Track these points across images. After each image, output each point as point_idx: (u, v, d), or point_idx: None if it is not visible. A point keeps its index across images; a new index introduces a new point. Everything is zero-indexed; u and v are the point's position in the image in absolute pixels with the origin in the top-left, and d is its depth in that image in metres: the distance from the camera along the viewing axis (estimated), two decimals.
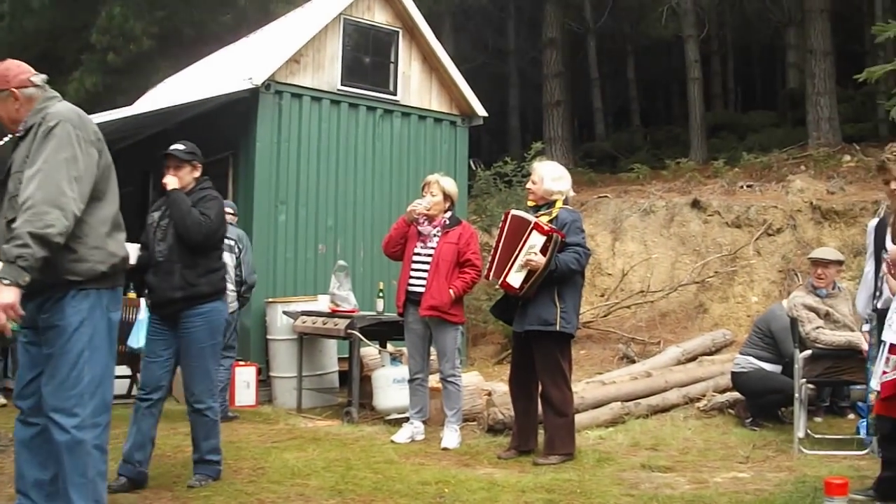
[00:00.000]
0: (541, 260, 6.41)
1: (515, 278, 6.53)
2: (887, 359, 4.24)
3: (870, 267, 6.03)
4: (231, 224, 9.01)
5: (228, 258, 8.71)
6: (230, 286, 8.68)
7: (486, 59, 25.62)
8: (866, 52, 20.33)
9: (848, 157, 15.48)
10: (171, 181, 5.73)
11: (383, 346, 8.88)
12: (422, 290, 7.33)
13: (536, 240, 6.46)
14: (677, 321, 12.27)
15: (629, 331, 12.00)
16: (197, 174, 5.85)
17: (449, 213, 7.48)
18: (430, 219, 7.43)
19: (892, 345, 4.13)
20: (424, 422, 7.57)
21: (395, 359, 8.55)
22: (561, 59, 22.18)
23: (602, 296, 13.12)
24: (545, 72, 22.04)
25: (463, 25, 25.50)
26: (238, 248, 8.81)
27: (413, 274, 7.40)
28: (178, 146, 5.83)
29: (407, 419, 7.58)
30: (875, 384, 4.82)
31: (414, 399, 7.53)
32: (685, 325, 12.14)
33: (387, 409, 8.37)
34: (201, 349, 5.65)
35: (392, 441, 7.27)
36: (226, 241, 8.66)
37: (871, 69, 3.28)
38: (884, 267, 5.59)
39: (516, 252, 6.52)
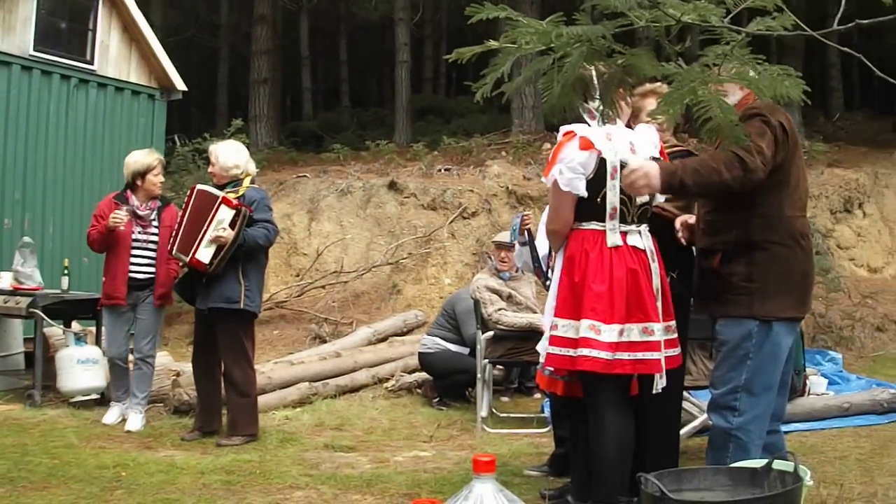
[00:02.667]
0: (230, 234, 6.44)
1: (205, 254, 6.51)
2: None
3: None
4: None
5: None
6: None
7: (197, 31, 25.10)
8: None
9: (548, 145, 16.15)
10: None
11: (68, 325, 8.66)
12: (146, 276, 7.26)
13: (225, 214, 6.48)
14: (370, 302, 12.48)
15: (322, 311, 12.12)
16: None
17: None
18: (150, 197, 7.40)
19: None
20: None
21: (80, 339, 8.33)
22: (272, 36, 21.96)
23: (297, 275, 13.18)
24: (254, 48, 21.71)
25: None
26: None
27: (134, 261, 7.24)
28: None
29: (94, 401, 7.46)
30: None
31: (120, 382, 7.42)
32: (378, 306, 12.35)
33: (71, 390, 8.11)
34: None
35: (103, 423, 7.16)
36: None
37: (459, 50, 3.48)
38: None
39: (204, 227, 6.50)
